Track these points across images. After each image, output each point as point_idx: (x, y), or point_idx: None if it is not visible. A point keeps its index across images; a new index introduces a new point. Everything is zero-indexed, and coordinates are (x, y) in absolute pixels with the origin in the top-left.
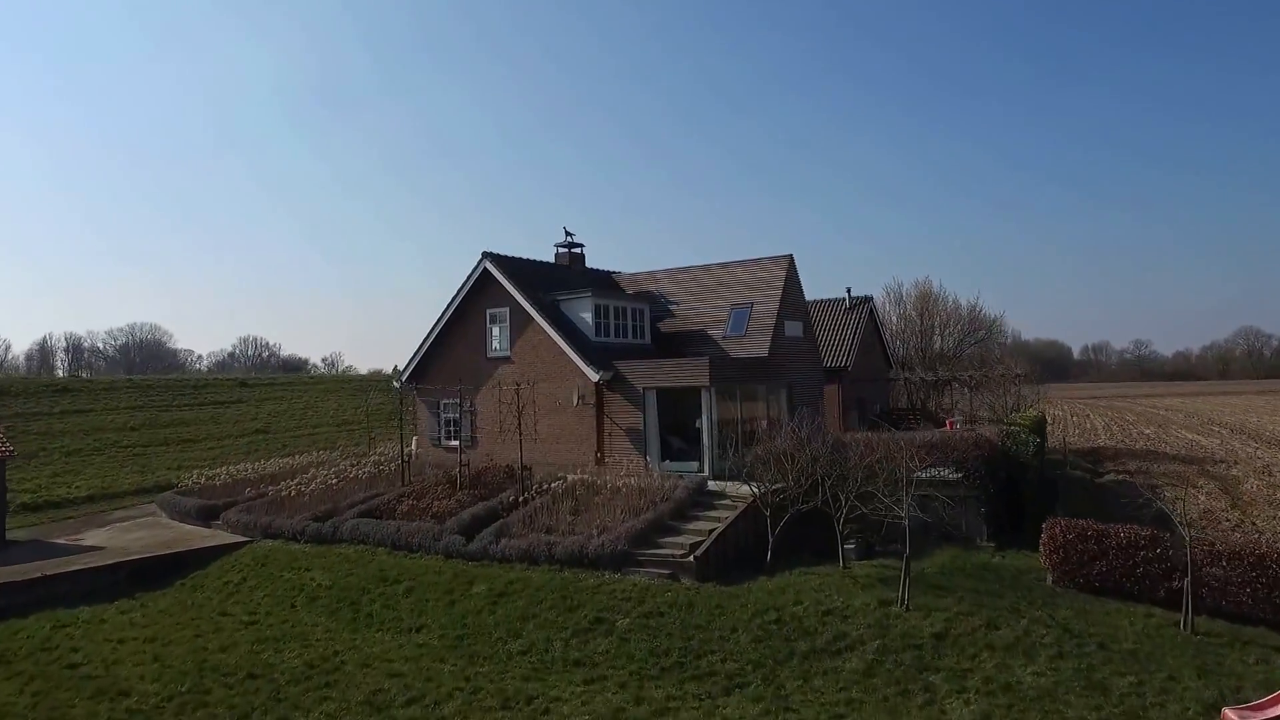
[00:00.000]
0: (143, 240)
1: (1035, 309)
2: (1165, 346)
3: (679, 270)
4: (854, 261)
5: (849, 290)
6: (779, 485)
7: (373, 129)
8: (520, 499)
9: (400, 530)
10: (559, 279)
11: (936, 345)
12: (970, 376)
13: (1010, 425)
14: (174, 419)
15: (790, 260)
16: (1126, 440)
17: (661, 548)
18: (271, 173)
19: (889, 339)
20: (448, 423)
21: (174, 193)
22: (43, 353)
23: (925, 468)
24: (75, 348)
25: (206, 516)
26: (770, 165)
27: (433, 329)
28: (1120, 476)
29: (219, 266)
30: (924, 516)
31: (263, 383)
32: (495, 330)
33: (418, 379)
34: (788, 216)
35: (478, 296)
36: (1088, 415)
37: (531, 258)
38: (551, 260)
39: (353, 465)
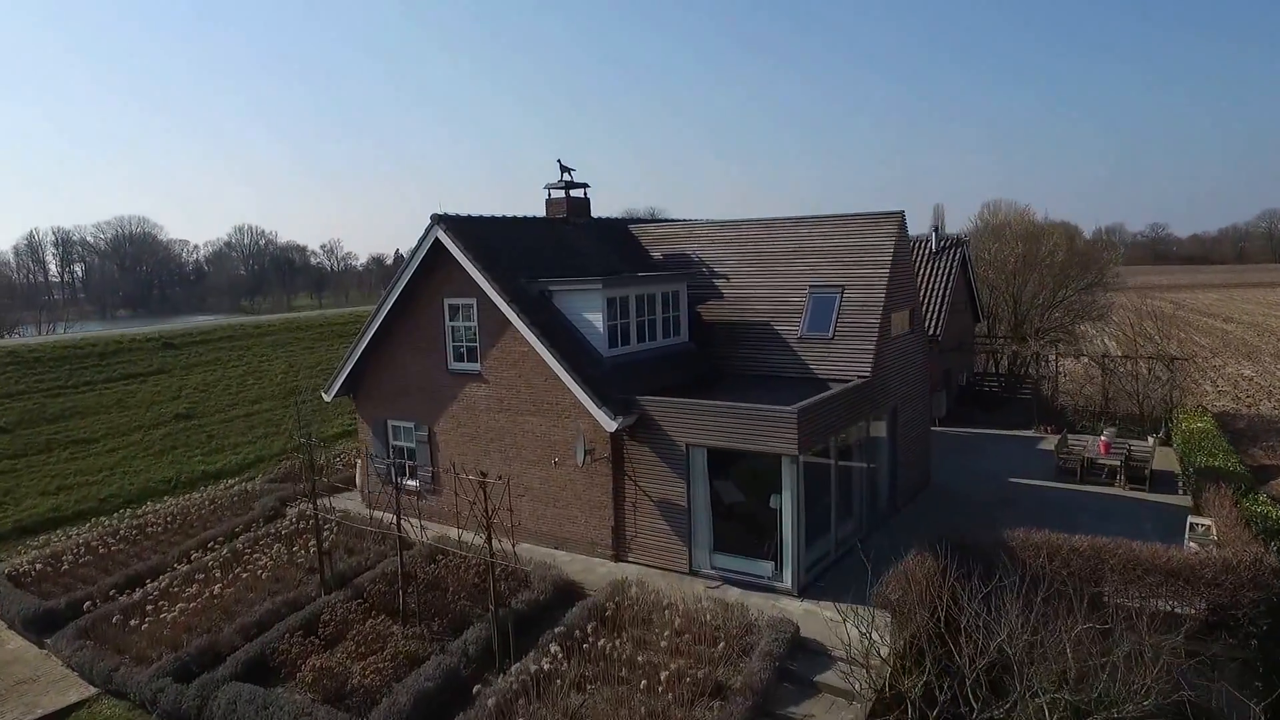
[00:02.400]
0: (120, 130)
1: (1048, 188)
2: (1182, 230)
3: (726, 225)
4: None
5: (936, 228)
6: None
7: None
8: (497, 664)
9: None
10: (553, 244)
11: (1039, 298)
12: (1104, 359)
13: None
14: (66, 407)
15: (900, 221)
16: (1231, 391)
17: None
18: (254, 51)
19: (976, 284)
20: (399, 453)
21: (153, 76)
22: (31, 247)
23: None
24: (64, 241)
25: (42, 627)
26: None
27: (370, 320)
28: None
29: (211, 152)
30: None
31: (193, 341)
32: (458, 331)
33: (353, 390)
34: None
35: (430, 278)
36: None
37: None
38: (543, 213)
39: (252, 547)
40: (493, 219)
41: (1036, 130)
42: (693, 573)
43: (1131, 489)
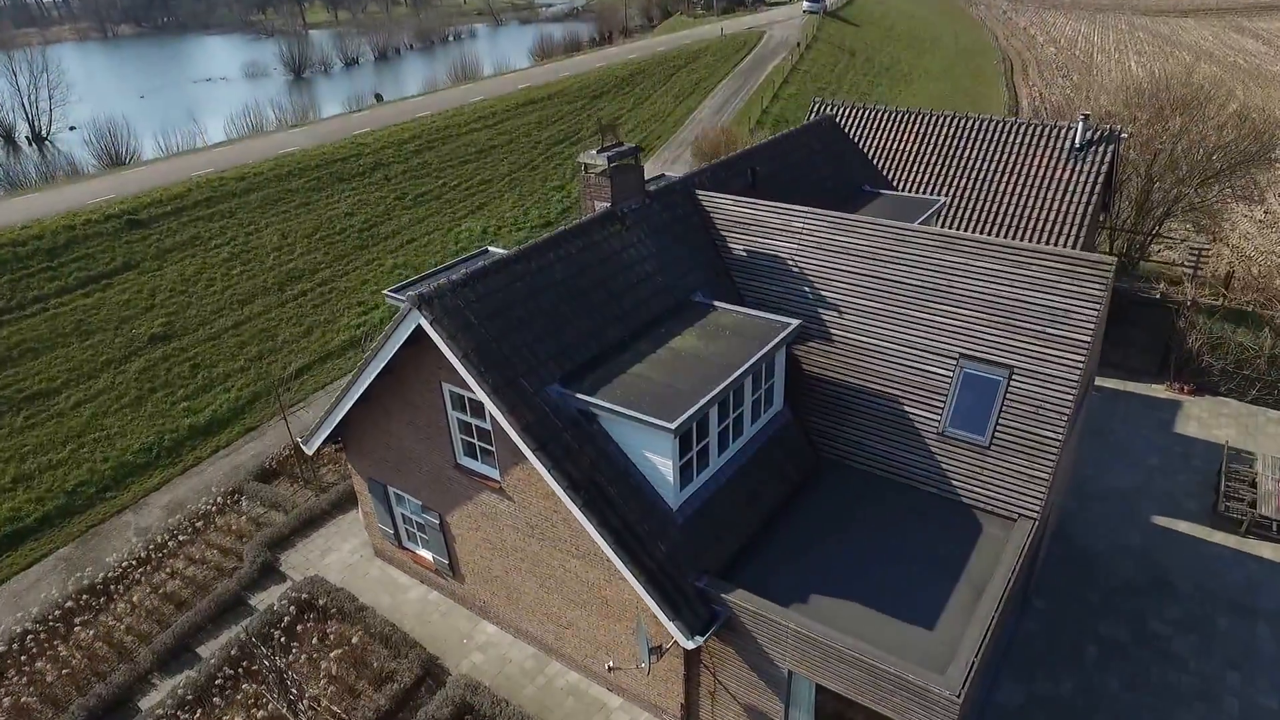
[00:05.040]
0: None
1: None
2: None
3: (839, 223)
4: None
5: (1085, 118)
6: None
7: None
8: None
9: None
10: (595, 277)
11: (1191, 174)
12: None
13: None
14: (14, 343)
15: (1109, 272)
16: None
17: None
18: None
19: (1118, 179)
20: (405, 520)
21: None
22: None
23: None
24: None
25: None
26: None
27: (353, 384)
28: None
29: None
30: None
31: (164, 212)
32: (466, 425)
33: (340, 439)
34: None
35: (423, 354)
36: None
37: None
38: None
39: (230, 697)
40: (503, 266)
41: None
42: None
43: None
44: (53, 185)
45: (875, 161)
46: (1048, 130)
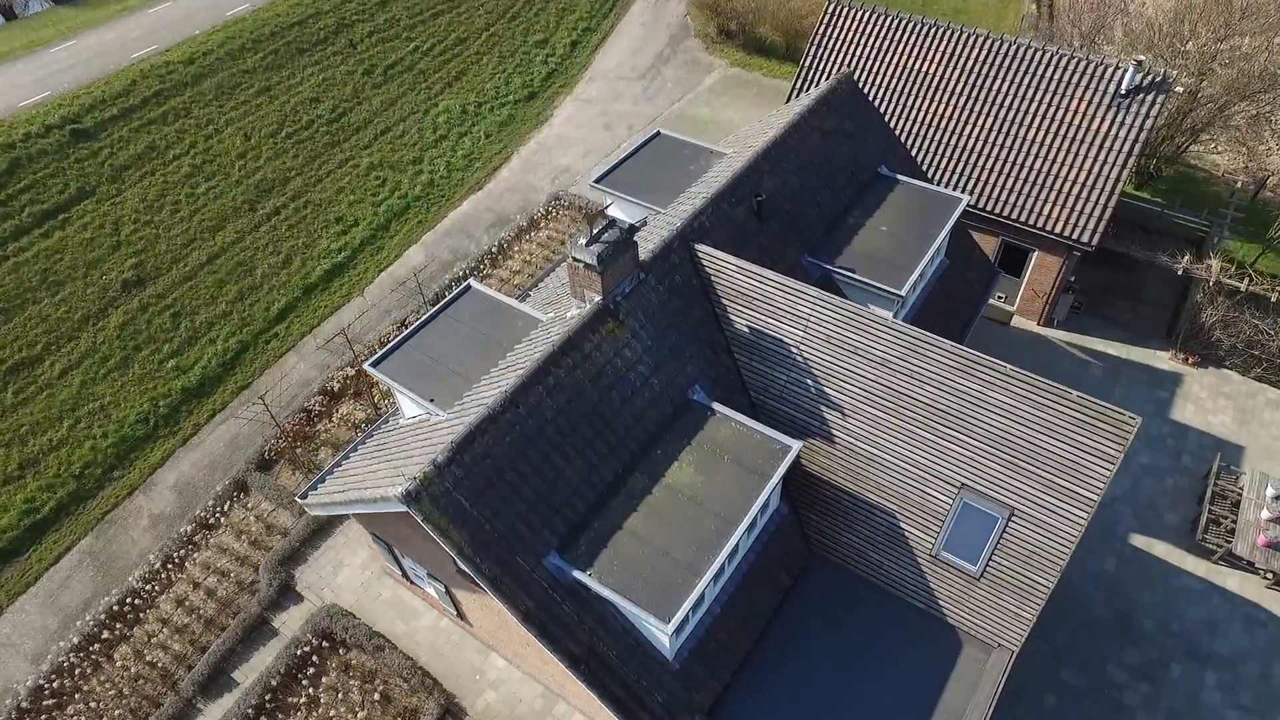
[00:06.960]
0: None
1: None
2: None
3: (850, 318)
4: None
5: (1137, 63)
6: None
7: None
8: None
9: None
10: (590, 413)
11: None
12: None
13: None
14: None
15: (1130, 432)
16: None
17: None
18: None
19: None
20: (413, 569)
21: None
22: None
23: None
24: None
25: None
26: None
27: (344, 505)
28: None
29: None
30: None
31: (109, 115)
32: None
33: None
34: None
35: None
36: None
37: None
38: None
39: None
40: (490, 423)
41: None
42: None
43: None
44: None
45: (896, 83)
46: (1092, 68)
